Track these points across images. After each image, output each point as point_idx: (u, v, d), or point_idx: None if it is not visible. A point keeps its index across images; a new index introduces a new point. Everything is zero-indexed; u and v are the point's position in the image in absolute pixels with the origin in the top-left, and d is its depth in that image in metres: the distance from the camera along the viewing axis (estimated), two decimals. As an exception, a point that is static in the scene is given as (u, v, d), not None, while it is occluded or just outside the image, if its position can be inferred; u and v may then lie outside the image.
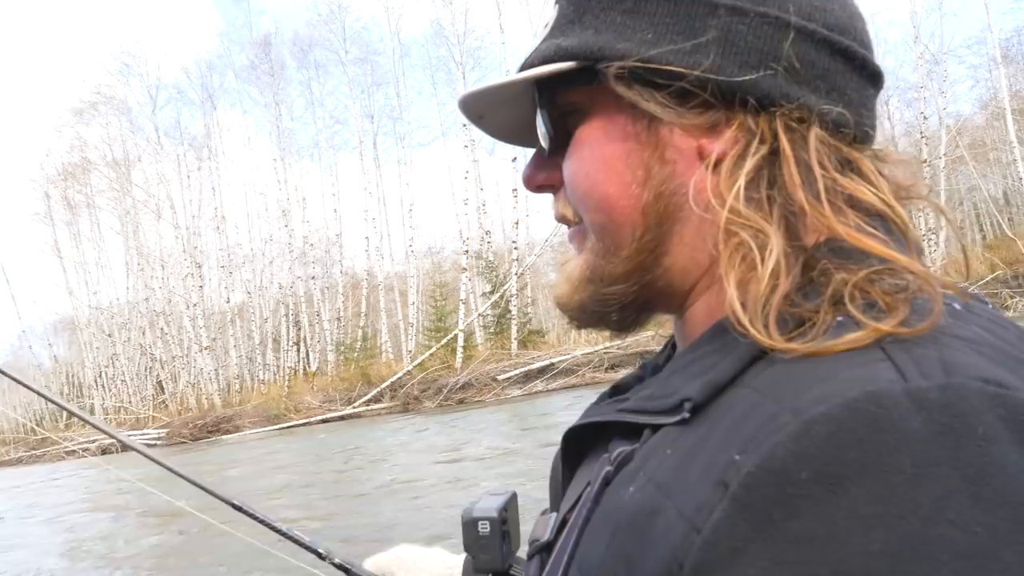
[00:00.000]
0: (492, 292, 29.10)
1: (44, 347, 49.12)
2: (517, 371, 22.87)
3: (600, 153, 0.62)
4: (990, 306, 0.55)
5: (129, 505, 12.27)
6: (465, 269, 30.14)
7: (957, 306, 0.50)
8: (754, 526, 0.41)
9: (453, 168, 35.64)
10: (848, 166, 0.56)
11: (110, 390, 41.09)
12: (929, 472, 0.39)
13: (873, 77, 0.60)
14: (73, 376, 45.76)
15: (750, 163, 0.55)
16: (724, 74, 0.56)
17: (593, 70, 0.60)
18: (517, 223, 30.02)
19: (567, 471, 0.68)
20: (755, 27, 0.56)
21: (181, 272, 37.43)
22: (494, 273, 30.26)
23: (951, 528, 0.38)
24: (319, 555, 1.20)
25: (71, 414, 1.29)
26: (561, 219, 0.69)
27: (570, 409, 14.96)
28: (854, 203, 0.55)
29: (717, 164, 0.57)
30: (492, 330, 29.12)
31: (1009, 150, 26.83)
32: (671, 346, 0.75)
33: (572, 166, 0.64)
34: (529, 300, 31.59)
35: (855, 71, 0.59)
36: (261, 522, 1.29)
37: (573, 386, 21.25)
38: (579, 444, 0.66)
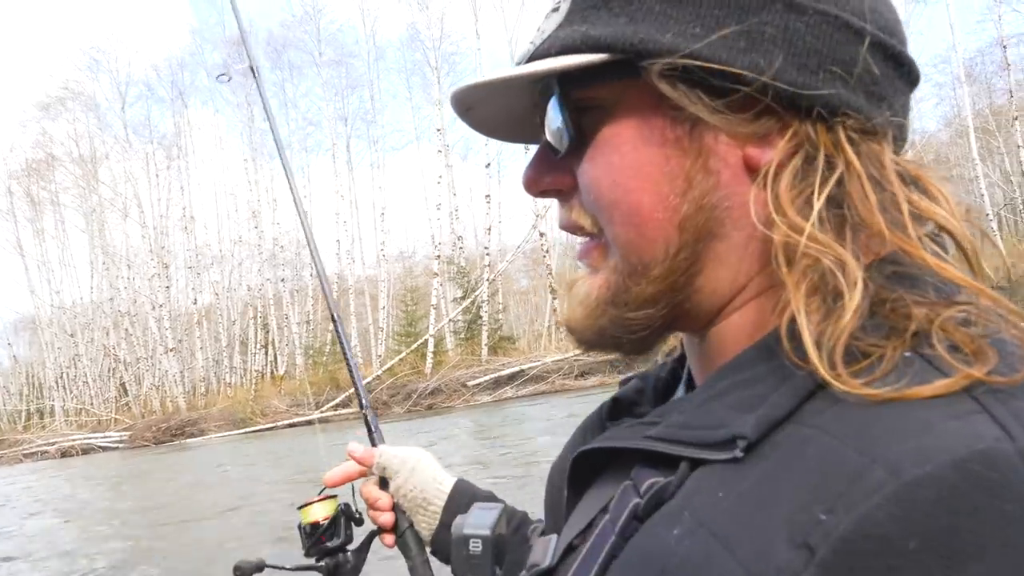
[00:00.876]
0: (463, 298, 29.08)
1: (3, 346, 48.20)
2: (487, 377, 22.85)
3: (633, 158, 0.54)
4: None
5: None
6: (436, 274, 30.08)
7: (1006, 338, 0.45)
8: None
9: (426, 173, 35.58)
10: (915, 184, 0.51)
11: (71, 391, 40.27)
12: None
13: (914, 81, 0.55)
14: (33, 376, 44.78)
15: (819, 180, 0.49)
16: (784, 77, 0.49)
17: (627, 64, 0.52)
18: (489, 229, 30.06)
19: (573, 493, 0.62)
20: (814, 26, 0.50)
21: (147, 272, 36.93)
22: (465, 279, 30.24)
23: None
24: (361, 404, 1.29)
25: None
26: (574, 228, 0.61)
27: (537, 419, 14.98)
28: (922, 224, 0.50)
29: (768, 177, 0.51)
30: (463, 336, 29.09)
31: (972, 167, 27.39)
32: (675, 360, 0.70)
33: (595, 171, 0.56)
34: (500, 306, 31.64)
35: (902, 77, 0.54)
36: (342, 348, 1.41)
37: (543, 393, 21.27)
38: (589, 466, 0.60)
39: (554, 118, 0.58)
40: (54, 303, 42.30)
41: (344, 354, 1.39)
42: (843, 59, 0.50)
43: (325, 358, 32.07)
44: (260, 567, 1.16)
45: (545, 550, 0.62)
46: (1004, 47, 26.93)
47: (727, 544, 0.42)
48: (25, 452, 28.15)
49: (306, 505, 1.19)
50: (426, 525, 1.09)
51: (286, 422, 24.38)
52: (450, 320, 28.98)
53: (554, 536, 0.62)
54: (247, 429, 24.87)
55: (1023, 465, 0.36)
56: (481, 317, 28.20)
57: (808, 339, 0.45)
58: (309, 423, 23.77)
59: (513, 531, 0.98)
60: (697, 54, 0.50)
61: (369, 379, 25.20)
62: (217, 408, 28.88)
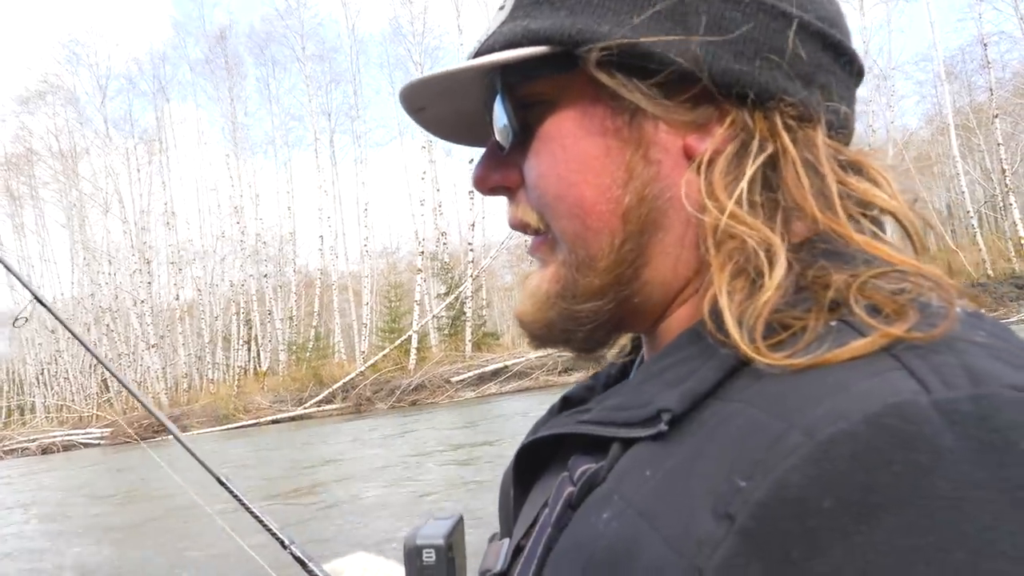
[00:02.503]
0: (447, 294, 29.05)
1: (-17, 342, 47.61)
2: (471, 373, 22.87)
3: (574, 150, 0.54)
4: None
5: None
6: (420, 270, 30.02)
7: (964, 311, 0.45)
8: (770, 565, 0.36)
9: (410, 168, 35.48)
10: (852, 168, 0.51)
11: (52, 388, 39.93)
12: (972, 496, 0.34)
13: (858, 74, 0.56)
14: (14, 373, 44.39)
15: (750, 164, 0.50)
16: (720, 64, 0.50)
17: (568, 57, 0.52)
18: (473, 225, 30.03)
19: (520, 492, 0.62)
20: (750, 14, 0.50)
21: (129, 268, 36.66)
22: (449, 275, 30.21)
23: (1004, 561, 0.33)
24: (282, 543, 1.23)
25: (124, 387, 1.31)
26: (520, 226, 0.61)
27: (520, 415, 15.01)
28: (864, 208, 0.50)
29: (707, 164, 0.51)
30: (446, 332, 29.07)
31: (952, 164, 27.68)
32: (626, 358, 0.70)
33: (540, 165, 0.56)
34: (484, 302, 31.68)
35: (844, 67, 0.54)
36: (240, 502, 1.32)
37: (527, 389, 21.31)
38: (533, 461, 0.60)
39: (499, 114, 0.57)
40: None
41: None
42: (779, 47, 0.50)
43: (308, 354, 31.96)
44: None
45: (497, 554, 0.61)
46: (984, 45, 27.18)
47: (652, 522, 0.42)
48: (6, 449, 27.87)
49: None
50: None
51: (269, 418, 24.27)
52: (434, 316, 28.94)
53: (506, 540, 0.62)
54: (230, 425, 24.74)
55: (937, 416, 0.36)
56: (465, 313, 28.20)
57: (728, 317, 0.46)
58: (292, 419, 23.69)
59: None
60: (634, 43, 0.50)
61: (352, 375, 25.16)
62: (199, 404, 28.71)
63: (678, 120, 0.52)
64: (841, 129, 0.54)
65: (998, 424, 0.35)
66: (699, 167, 0.52)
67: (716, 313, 0.47)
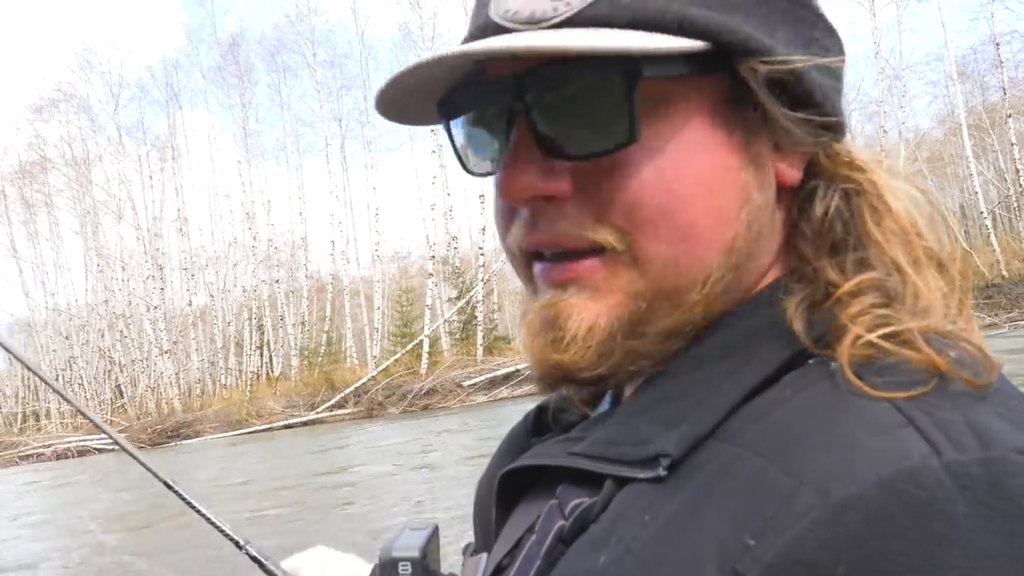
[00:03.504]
0: (458, 298, 29.04)
1: (-2, 349, 47.87)
2: (482, 377, 22.83)
3: (691, 163, 0.48)
4: None
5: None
6: (431, 274, 30.04)
7: (953, 353, 0.44)
8: None
9: (420, 173, 35.43)
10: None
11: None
12: (985, 566, 0.34)
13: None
14: (29, 379, 44.63)
15: (835, 199, 0.51)
16: (838, 105, 0.52)
17: (716, 59, 0.47)
18: (484, 229, 30.00)
19: (501, 511, 0.59)
20: (836, 46, 0.53)
21: (142, 274, 36.81)
22: (460, 279, 30.20)
23: None
24: (237, 545, 1.21)
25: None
26: (569, 242, 0.50)
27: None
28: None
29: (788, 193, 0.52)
30: (458, 336, 29.06)
31: (965, 164, 27.49)
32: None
33: (642, 173, 0.48)
34: (495, 306, 31.61)
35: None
36: (190, 505, 1.30)
37: (538, 393, 21.23)
38: (517, 482, 0.57)
39: (597, 106, 0.47)
40: (49, 305, 42.16)
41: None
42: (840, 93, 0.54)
43: (320, 359, 32.03)
44: None
45: (475, 570, 0.59)
46: (997, 44, 27.00)
47: (655, 572, 0.41)
48: (21, 455, 28.06)
49: None
50: None
51: (281, 423, 24.34)
52: (445, 320, 28.94)
53: (484, 555, 0.60)
54: (242, 431, 24.81)
55: (950, 482, 0.35)
56: (476, 317, 28.18)
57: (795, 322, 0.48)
58: (304, 424, 23.74)
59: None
60: (802, 74, 0.48)
61: (364, 379, 25.18)
62: (212, 409, 28.81)
63: (798, 151, 0.52)
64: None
65: (1009, 491, 0.35)
66: (791, 198, 0.53)
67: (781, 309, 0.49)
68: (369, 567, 1.04)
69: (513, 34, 0.47)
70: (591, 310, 0.50)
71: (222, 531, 1.26)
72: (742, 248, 0.49)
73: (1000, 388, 0.43)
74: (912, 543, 0.34)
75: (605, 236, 0.49)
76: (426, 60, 0.47)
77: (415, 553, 0.77)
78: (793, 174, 0.52)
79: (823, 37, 0.51)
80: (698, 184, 0.48)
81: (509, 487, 0.57)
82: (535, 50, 0.45)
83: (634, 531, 0.43)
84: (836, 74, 0.52)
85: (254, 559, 1.17)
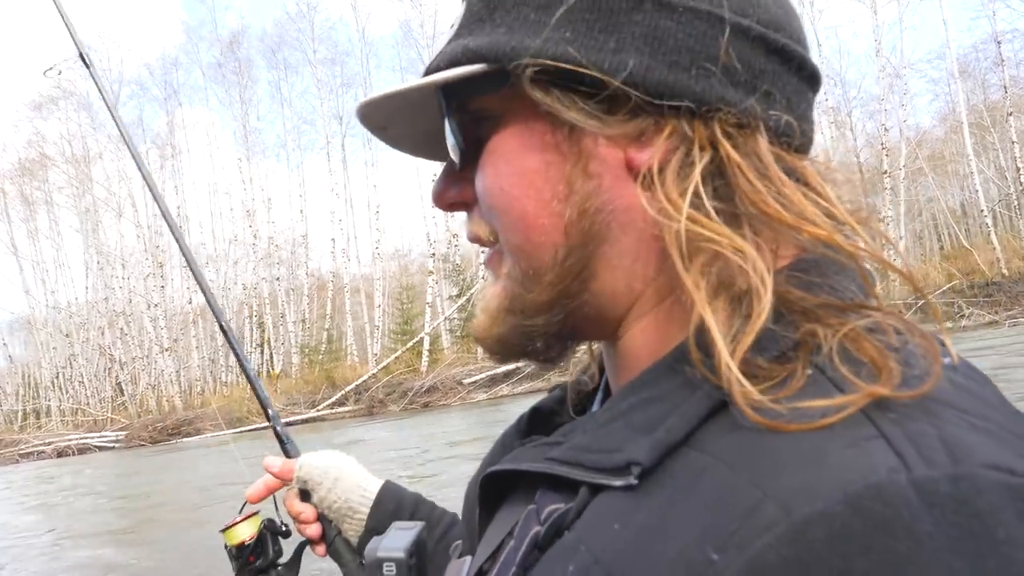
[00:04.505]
0: (459, 295, 29.04)
1: (-1, 347, 48.00)
2: (483, 375, 22.83)
3: (516, 165, 0.55)
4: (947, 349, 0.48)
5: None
6: (432, 272, 30.05)
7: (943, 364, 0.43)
8: None
9: (421, 171, 35.42)
10: (793, 177, 0.50)
11: (67, 391, 40.13)
12: None
13: (811, 79, 0.55)
14: (29, 377, 44.65)
15: (698, 172, 0.49)
16: (653, 76, 0.49)
17: (506, 73, 0.52)
18: (485, 227, 29.97)
19: (484, 513, 0.60)
20: (685, 23, 0.50)
21: (142, 272, 36.81)
22: (461, 276, 30.20)
23: None
24: (267, 416, 1.31)
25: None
26: (475, 239, 0.61)
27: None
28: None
29: (651, 176, 0.50)
30: (458, 333, 29.05)
31: (966, 163, 27.50)
32: (600, 368, 0.68)
33: (485, 180, 0.57)
34: (496, 304, 31.55)
35: (793, 72, 0.53)
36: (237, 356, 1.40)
37: (539, 390, 21.24)
38: (499, 484, 0.58)
39: (448, 132, 0.58)
40: (49, 303, 42.21)
41: (242, 366, 1.38)
42: (716, 54, 0.50)
43: (321, 357, 32.05)
44: None
45: (458, 573, 0.61)
46: (999, 43, 27.01)
47: None
48: (22, 452, 28.05)
49: (229, 527, 1.16)
50: (353, 533, 1.09)
51: (282, 421, 24.32)
52: (446, 318, 28.95)
53: (468, 559, 0.61)
54: (243, 428, 24.82)
55: (916, 499, 0.35)
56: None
57: (722, 349, 0.44)
58: (305, 421, 23.75)
59: (438, 540, 0.98)
60: (565, 57, 0.50)
61: (365, 377, 25.20)
62: (213, 407, 28.80)
63: (616, 133, 0.51)
64: (785, 137, 0.52)
65: (977, 509, 0.35)
66: (648, 177, 0.51)
67: (703, 342, 0.46)
68: (375, 482, 1.09)
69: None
70: (490, 291, 0.60)
71: (259, 396, 1.34)
72: (584, 230, 0.53)
73: (978, 393, 0.43)
74: (875, 562, 0.34)
75: (487, 232, 0.59)
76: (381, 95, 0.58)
77: (400, 554, 0.77)
78: (641, 156, 0.51)
79: (583, 11, 0.51)
80: (522, 183, 0.54)
81: (492, 490, 0.59)
82: (382, 96, 0.58)
83: (603, 540, 0.44)
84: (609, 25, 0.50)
85: (278, 436, 1.25)
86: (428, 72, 0.57)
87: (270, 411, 1.29)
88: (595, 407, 0.67)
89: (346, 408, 24.23)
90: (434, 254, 30.49)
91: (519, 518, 0.52)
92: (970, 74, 35.76)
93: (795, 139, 0.52)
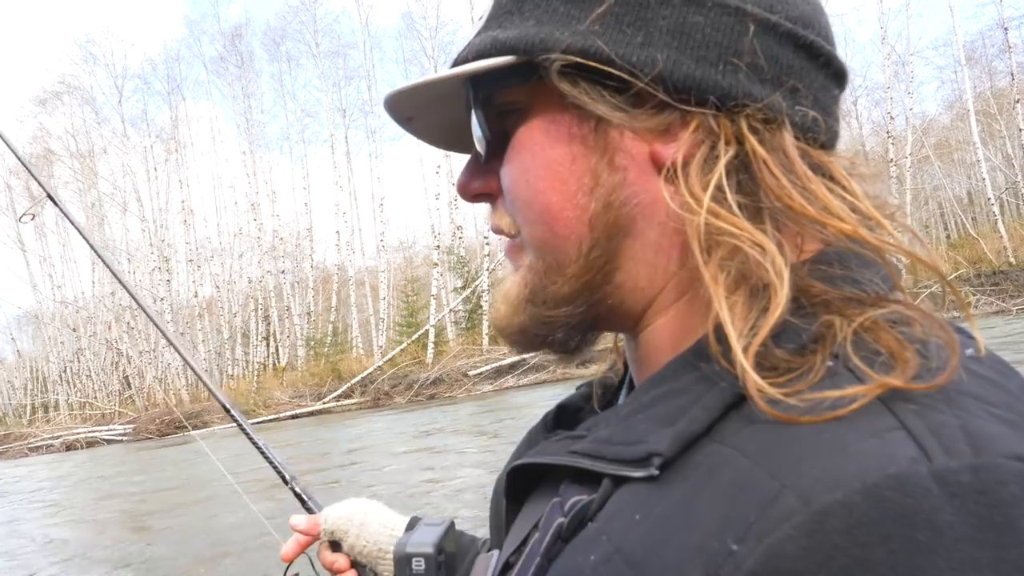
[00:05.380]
0: (464, 287, 29.08)
1: (7, 341, 48.26)
2: (488, 367, 22.86)
3: (542, 157, 0.55)
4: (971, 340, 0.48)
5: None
6: (436, 264, 30.05)
7: (963, 354, 0.43)
8: None
9: (425, 162, 35.47)
10: (818, 172, 0.50)
11: (75, 385, 40.30)
12: None
13: (838, 76, 0.55)
14: (37, 371, 44.87)
15: (723, 166, 0.49)
16: (681, 71, 0.49)
17: (534, 65, 0.53)
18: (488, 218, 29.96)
19: (512, 507, 0.61)
20: (713, 18, 0.50)
21: (148, 266, 36.91)
22: (465, 268, 30.24)
23: None
24: (284, 479, 1.29)
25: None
26: (498, 230, 0.62)
27: (539, 407, 14.99)
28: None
29: (676, 170, 0.51)
30: (463, 325, 29.10)
31: (973, 151, 27.33)
32: (625, 362, 0.68)
33: (511, 172, 0.57)
34: (501, 296, 31.56)
35: (819, 69, 0.53)
36: (245, 434, 1.40)
37: (544, 382, 21.30)
38: (527, 477, 0.58)
39: (474, 123, 0.58)
40: (56, 298, 42.35)
41: (253, 443, 1.37)
42: (744, 50, 0.50)
43: (327, 349, 32.11)
44: None
45: (486, 567, 0.61)
46: (1005, 29, 26.81)
47: (642, 572, 0.42)
48: (31, 446, 28.22)
49: None
50: (388, 573, 1.09)
51: (288, 413, 24.43)
52: (451, 310, 28.99)
53: (496, 552, 0.62)
54: (250, 421, 24.85)
55: (937, 489, 0.35)
56: (482, 306, 28.19)
57: (735, 343, 0.44)
58: (311, 414, 23.83)
59: (468, 543, 0.98)
60: (591, 49, 0.50)
61: (370, 369, 25.25)
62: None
63: (641, 127, 0.52)
64: (811, 133, 0.51)
65: (998, 499, 0.34)
66: (673, 171, 0.51)
67: (720, 336, 0.46)
68: (400, 519, 1.09)
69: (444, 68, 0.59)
70: (510, 281, 0.60)
71: (273, 464, 1.32)
72: (608, 222, 0.53)
73: (1003, 384, 0.42)
74: (895, 552, 0.34)
75: (509, 224, 0.60)
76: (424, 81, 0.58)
77: (429, 549, 0.78)
78: (667, 150, 0.51)
79: (612, 4, 0.51)
80: (547, 175, 0.54)
81: (518, 483, 0.59)
82: (412, 87, 0.58)
83: (624, 530, 0.44)
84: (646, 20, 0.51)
85: (298, 496, 1.24)
86: (456, 63, 0.57)
87: (286, 474, 1.29)
88: (620, 401, 0.66)
89: (352, 400, 24.29)
90: (439, 246, 30.47)
91: (545, 511, 0.52)
92: (977, 61, 35.59)
93: (821, 135, 0.52)
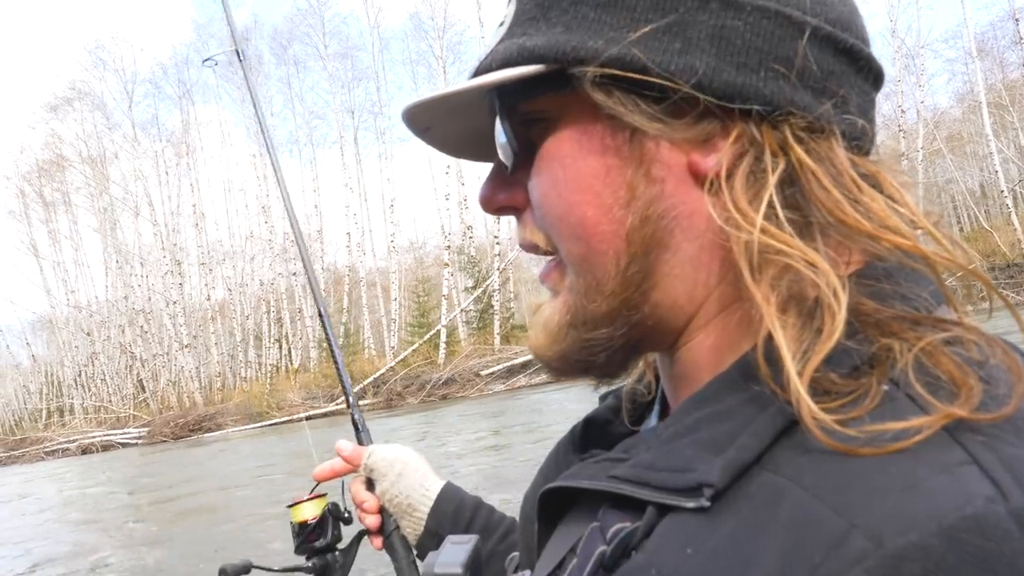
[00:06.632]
0: (475, 287, 29.11)
1: (22, 346, 48.60)
2: (500, 366, 22.89)
3: (574, 170, 0.52)
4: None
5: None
6: (447, 264, 30.09)
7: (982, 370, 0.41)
8: None
9: (434, 163, 35.50)
10: (867, 182, 0.47)
11: (90, 389, 40.59)
12: None
13: (876, 79, 0.52)
14: (52, 375, 45.20)
15: (770, 178, 0.46)
16: (721, 78, 0.47)
17: (564, 74, 0.50)
18: (499, 218, 29.96)
19: (544, 528, 0.58)
20: (753, 23, 0.47)
21: (161, 270, 37.19)
22: (476, 268, 30.27)
23: None
24: (348, 403, 1.34)
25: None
26: (530, 247, 0.58)
27: (551, 405, 14.98)
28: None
29: (719, 183, 0.48)
30: (475, 325, 29.14)
31: (985, 143, 27.12)
32: (656, 377, 0.66)
33: (542, 185, 0.54)
34: (511, 295, 31.63)
35: (859, 73, 0.50)
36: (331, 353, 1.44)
37: (555, 382, 21.27)
38: (559, 499, 0.55)
39: (500, 133, 0.55)
40: (70, 303, 42.66)
41: (332, 353, 1.42)
42: (786, 55, 0.47)
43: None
44: (247, 568, 1.16)
45: None
46: (1016, 20, 26.59)
47: None
48: (47, 450, 28.47)
49: (296, 504, 1.20)
50: (411, 531, 1.09)
51: (302, 415, 24.53)
52: (462, 310, 29.02)
53: (527, 573, 0.60)
54: (264, 423, 25.04)
55: (1018, 530, 0.33)
56: (493, 306, 28.24)
57: (789, 366, 0.42)
58: (324, 415, 23.91)
59: (496, 543, 0.98)
60: (628, 58, 0.48)
61: (383, 370, 25.33)
62: (233, 402, 29.07)
63: (679, 137, 0.49)
64: (856, 141, 0.49)
65: None
66: (715, 184, 0.49)
67: (771, 356, 0.43)
68: (436, 482, 1.11)
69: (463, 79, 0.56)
70: (550, 307, 0.57)
71: (343, 386, 1.38)
72: (646, 237, 0.51)
73: None
74: None
75: (543, 240, 0.56)
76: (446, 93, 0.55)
77: (458, 570, 0.77)
78: (707, 162, 0.49)
79: (646, 10, 0.49)
80: (581, 188, 0.51)
81: (551, 504, 0.56)
82: (432, 99, 0.55)
83: (675, 564, 0.42)
84: (689, 34, 0.48)
85: (355, 424, 1.28)
86: (479, 71, 0.55)
87: (350, 397, 1.34)
88: (653, 419, 0.64)
89: (365, 401, 24.35)
90: (449, 246, 30.53)
91: (582, 535, 0.50)
92: (988, 53, 35.32)
93: (867, 143, 0.50)
